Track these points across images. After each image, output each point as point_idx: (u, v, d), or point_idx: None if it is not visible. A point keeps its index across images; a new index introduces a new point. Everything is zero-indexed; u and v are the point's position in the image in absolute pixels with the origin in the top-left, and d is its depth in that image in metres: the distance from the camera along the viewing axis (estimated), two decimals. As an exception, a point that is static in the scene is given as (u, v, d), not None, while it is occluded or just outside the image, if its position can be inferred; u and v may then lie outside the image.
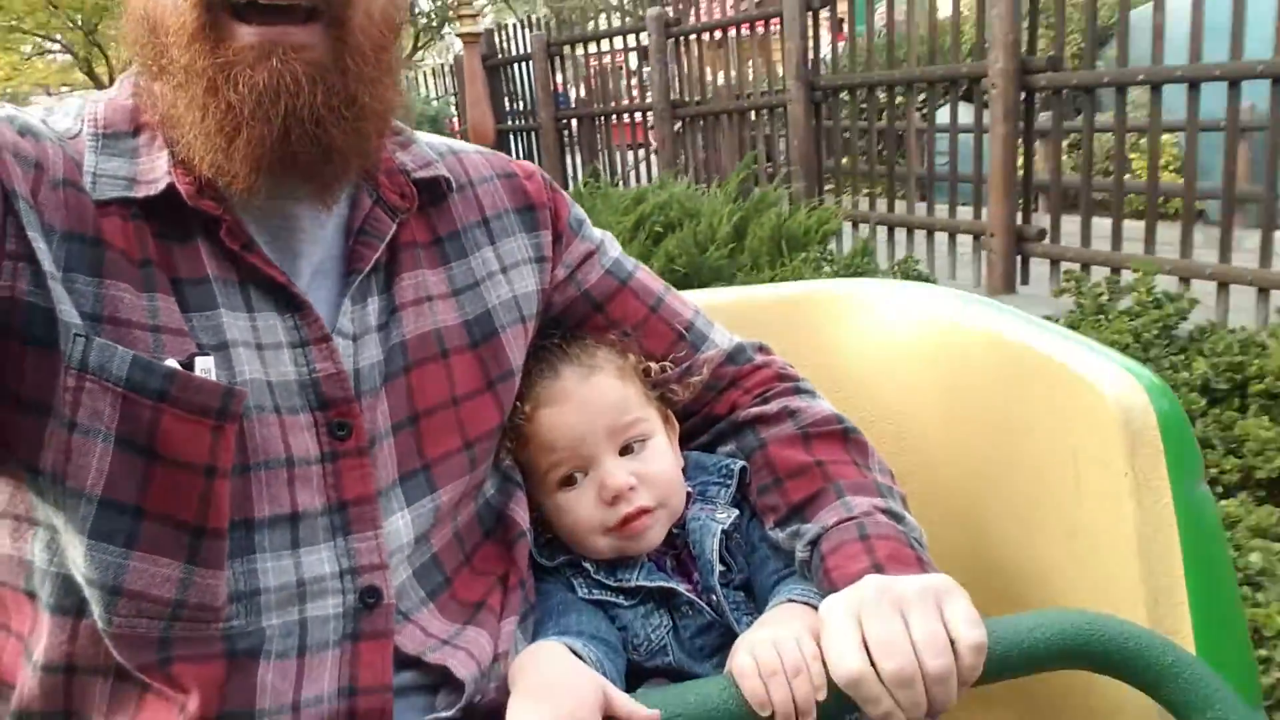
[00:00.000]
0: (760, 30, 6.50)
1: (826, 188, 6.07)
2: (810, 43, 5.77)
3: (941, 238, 5.19)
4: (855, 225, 5.63)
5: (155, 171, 0.79)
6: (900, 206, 5.43)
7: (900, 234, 5.40)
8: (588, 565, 0.99)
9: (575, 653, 0.87)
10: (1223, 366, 3.00)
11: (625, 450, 0.99)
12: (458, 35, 8.95)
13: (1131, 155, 4.58)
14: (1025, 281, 4.71)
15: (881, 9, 5.61)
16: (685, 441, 1.08)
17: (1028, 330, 1.06)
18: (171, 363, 0.75)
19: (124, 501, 0.74)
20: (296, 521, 0.80)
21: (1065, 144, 5.24)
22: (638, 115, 8.14)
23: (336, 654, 0.80)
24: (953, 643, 0.77)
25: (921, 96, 5.46)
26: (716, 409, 1.08)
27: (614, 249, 1.09)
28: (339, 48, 0.76)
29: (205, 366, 0.76)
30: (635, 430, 0.99)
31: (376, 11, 0.79)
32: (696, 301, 1.13)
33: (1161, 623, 0.85)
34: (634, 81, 8.74)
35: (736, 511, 1.02)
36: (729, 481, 1.04)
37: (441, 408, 0.90)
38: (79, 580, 0.77)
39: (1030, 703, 1.03)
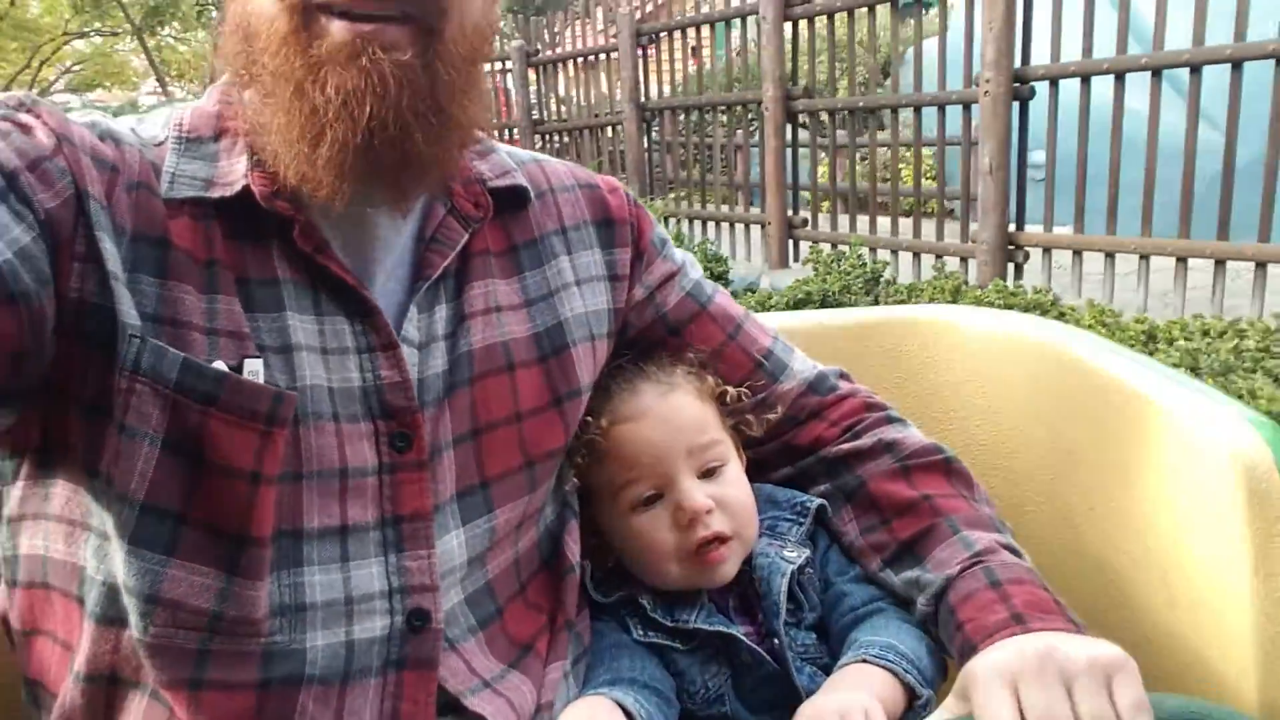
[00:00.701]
0: (603, 59, 7.80)
1: (656, 191, 7.41)
2: (639, 72, 7.07)
3: (740, 228, 6.55)
4: (668, 221, 6.98)
5: (233, 174, 0.78)
6: (712, 206, 6.80)
7: (712, 227, 6.77)
8: (644, 602, 0.94)
9: (625, 709, 0.83)
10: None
11: (704, 474, 0.95)
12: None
13: (901, 165, 5.91)
14: (796, 259, 6.07)
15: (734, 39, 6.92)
16: (757, 473, 1.02)
17: (1130, 366, 0.96)
18: (221, 365, 0.74)
19: (166, 507, 0.73)
20: (346, 534, 0.78)
21: (858, 155, 6.60)
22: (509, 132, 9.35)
23: (379, 683, 0.78)
24: None
25: (723, 117, 6.81)
26: (799, 440, 1.03)
27: (695, 271, 1.05)
28: (430, 55, 0.74)
29: (253, 369, 0.75)
30: (714, 452, 0.95)
31: (469, 24, 0.77)
32: (773, 326, 1.08)
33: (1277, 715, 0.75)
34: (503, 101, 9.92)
35: (808, 551, 0.96)
36: (802, 519, 0.99)
37: (504, 423, 0.86)
38: (120, 589, 0.75)
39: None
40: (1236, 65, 3.74)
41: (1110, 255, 4.35)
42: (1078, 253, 4.48)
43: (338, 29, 0.72)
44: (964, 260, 4.93)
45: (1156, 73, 4.02)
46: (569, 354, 0.92)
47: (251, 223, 0.78)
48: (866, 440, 1.00)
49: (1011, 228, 4.69)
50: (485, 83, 0.81)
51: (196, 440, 0.73)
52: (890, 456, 0.99)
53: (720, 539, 0.92)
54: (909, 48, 6.01)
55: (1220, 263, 3.96)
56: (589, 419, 0.95)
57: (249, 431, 0.74)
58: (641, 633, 0.93)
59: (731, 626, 0.92)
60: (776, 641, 0.91)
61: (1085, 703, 0.69)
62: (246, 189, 0.77)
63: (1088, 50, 4.22)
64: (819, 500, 1.00)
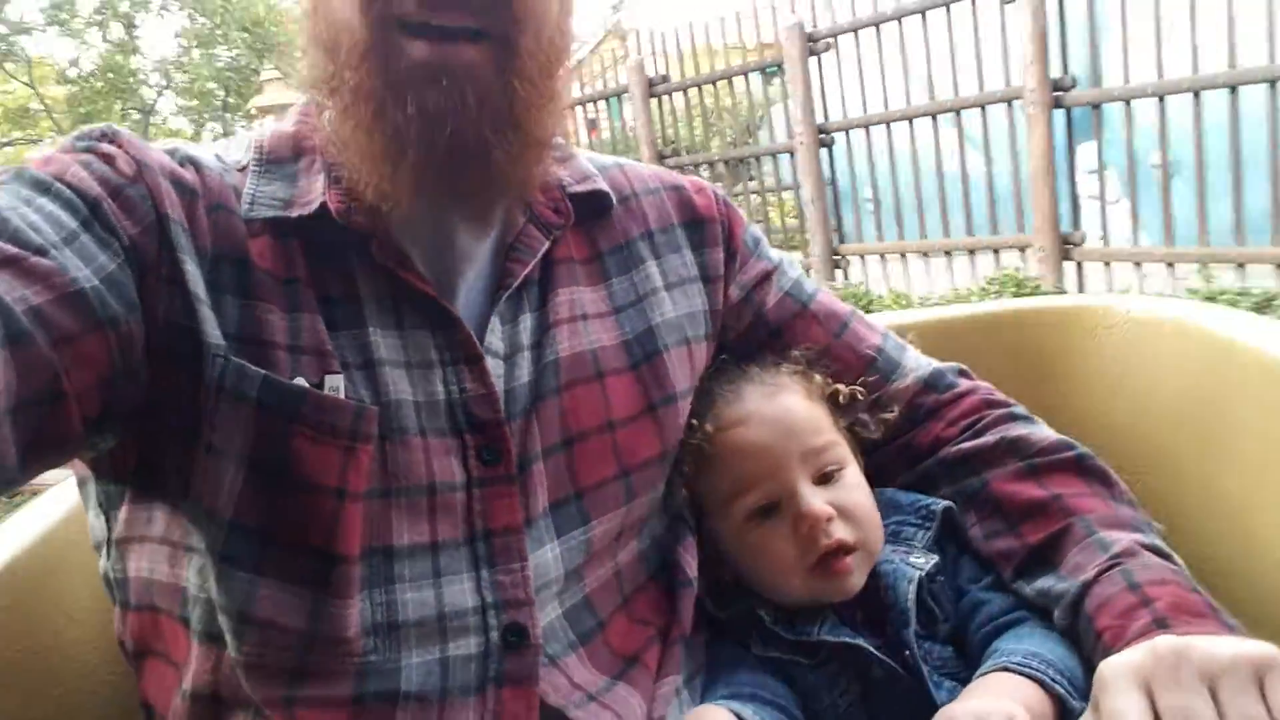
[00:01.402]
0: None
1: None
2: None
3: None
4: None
5: (311, 193, 0.79)
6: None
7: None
8: (764, 615, 0.88)
9: (742, 719, 0.78)
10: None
11: (820, 479, 0.89)
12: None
13: (769, 208, 7.20)
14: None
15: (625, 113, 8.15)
16: (875, 481, 0.95)
17: None
18: (301, 382, 0.74)
19: (253, 524, 0.73)
20: (437, 551, 0.77)
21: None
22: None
23: (478, 700, 0.76)
24: None
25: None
26: (917, 441, 0.97)
27: (793, 270, 1.02)
28: (507, 72, 0.74)
29: (334, 385, 0.74)
30: (830, 455, 0.90)
31: (545, 37, 0.76)
32: (884, 323, 1.02)
33: None
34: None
35: (936, 557, 0.90)
36: (929, 524, 0.93)
37: (596, 432, 0.84)
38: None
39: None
40: (983, 106, 5.17)
41: (903, 255, 5.83)
42: (883, 256, 5.96)
43: (418, 49, 0.72)
44: (807, 270, 6.39)
45: (934, 116, 5.40)
46: (661, 359, 0.90)
47: (331, 240, 0.78)
48: (989, 438, 0.94)
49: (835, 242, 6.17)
50: (564, 94, 0.80)
51: (281, 457, 0.73)
52: (1015, 455, 0.92)
53: (844, 548, 0.86)
54: (771, 107, 7.44)
55: (972, 252, 5.45)
56: (693, 422, 0.91)
57: (332, 448, 0.73)
58: (762, 648, 0.88)
59: (858, 638, 0.85)
60: (909, 653, 0.84)
61: (1232, 704, 0.61)
62: (324, 206, 0.77)
63: (885, 104, 5.65)
64: (945, 502, 0.94)
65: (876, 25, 5.51)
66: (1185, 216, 4.42)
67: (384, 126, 0.73)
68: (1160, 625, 0.73)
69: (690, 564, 0.91)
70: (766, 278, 1.00)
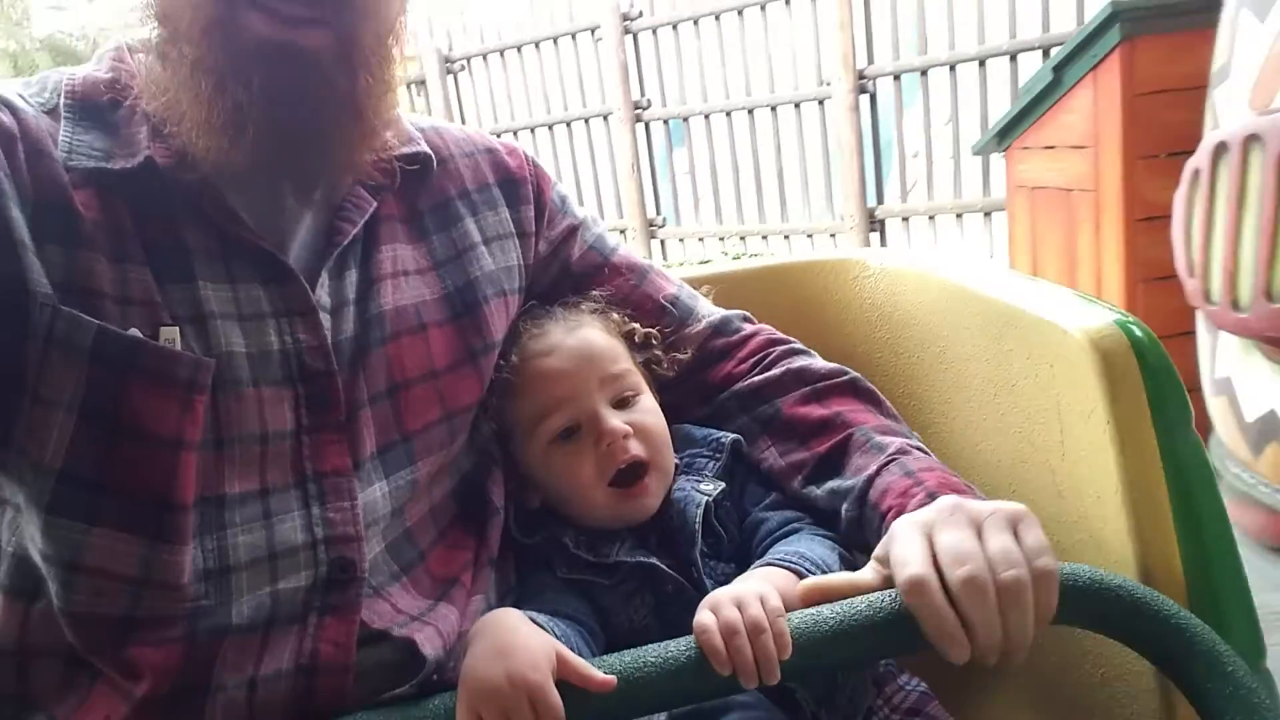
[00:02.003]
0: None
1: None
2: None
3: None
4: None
5: (134, 145, 0.77)
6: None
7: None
8: (566, 541, 0.95)
9: (534, 621, 0.83)
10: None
11: (618, 404, 0.97)
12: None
13: None
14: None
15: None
16: (674, 417, 1.04)
17: (1003, 283, 1.03)
18: (135, 333, 0.73)
19: (84, 475, 0.72)
20: (267, 495, 0.78)
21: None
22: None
23: (300, 628, 0.78)
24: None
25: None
26: (711, 379, 1.06)
27: (597, 226, 1.09)
28: (348, 60, 0.76)
29: (170, 337, 0.74)
30: (626, 381, 0.98)
31: (384, 29, 0.79)
32: (679, 277, 1.12)
33: (1153, 579, 0.80)
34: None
35: (724, 484, 0.99)
36: (719, 455, 1.02)
37: (420, 380, 0.88)
38: (36, 560, 0.75)
39: (1038, 685, 0.98)
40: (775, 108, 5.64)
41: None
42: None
43: (262, 24, 0.72)
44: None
45: (729, 114, 5.84)
46: (480, 311, 0.94)
47: (158, 193, 0.77)
48: (775, 371, 1.04)
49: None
50: (397, 81, 0.82)
51: (114, 408, 0.72)
52: (800, 383, 1.03)
53: (639, 464, 0.94)
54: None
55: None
56: (501, 361, 0.97)
57: (170, 398, 0.73)
58: (565, 570, 0.94)
59: (651, 558, 0.93)
60: (694, 570, 0.92)
61: (993, 540, 0.74)
62: (149, 160, 0.77)
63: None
64: (734, 435, 1.03)
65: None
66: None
67: (224, 101, 0.74)
68: (932, 497, 0.84)
69: (497, 494, 0.97)
70: (572, 233, 1.06)
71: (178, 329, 0.75)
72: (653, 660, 0.74)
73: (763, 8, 5.44)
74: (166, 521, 0.74)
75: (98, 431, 0.72)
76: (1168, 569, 0.81)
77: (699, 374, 1.07)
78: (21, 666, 0.77)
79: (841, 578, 0.81)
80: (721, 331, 1.08)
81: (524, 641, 0.75)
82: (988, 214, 4.69)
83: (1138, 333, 0.86)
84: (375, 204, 0.88)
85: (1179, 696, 0.77)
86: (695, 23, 5.75)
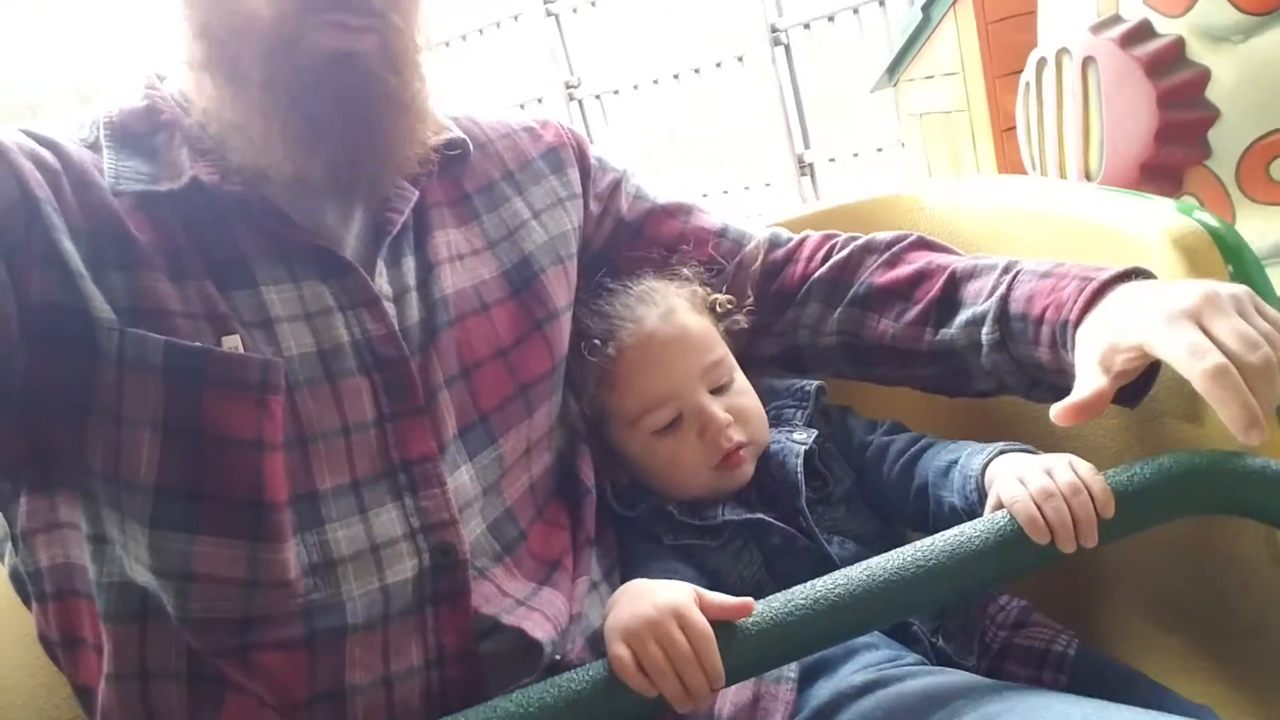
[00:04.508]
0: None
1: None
2: None
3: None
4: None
5: (177, 167, 0.79)
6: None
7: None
8: (671, 509, 0.95)
9: None
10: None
11: (716, 390, 0.96)
12: None
13: None
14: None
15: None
16: (761, 333, 1.06)
17: (1062, 197, 1.02)
18: (200, 344, 0.74)
19: (180, 487, 0.73)
20: (359, 487, 0.79)
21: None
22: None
23: (419, 619, 0.79)
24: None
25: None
26: (787, 284, 1.06)
27: (635, 175, 1.09)
28: (395, 55, 0.79)
29: (232, 345, 0.75)
30: (723, 368, 0.97)
31: (421, 18, 0.82)
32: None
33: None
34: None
35: (815, 431, 0.99)
36: (805, 403, 1.02)
37: (490, 359, 0.89)
38: (141, 582, 0.76)
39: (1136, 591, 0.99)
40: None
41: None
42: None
43: (331, 38, 0.75)
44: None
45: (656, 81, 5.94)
46: (538, 281, 0.95)
47: (208, 208, 0.78)
48: (844, 254, 1.04)
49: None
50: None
51: (194, 418, 0.74)
52: (873, 254, 1.03)
53: (740, 448, 0.94)
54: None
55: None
56: (596, 343, 0.96)
57: (244, 401, 0.74)
58: (672, 538, 0.94)
59: (756, 513, 0.93)
60: (803, 519, 0.92)
61: (1258, 323, 0.72)
62: (194, 180, 0.78)
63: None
64: (816, 382, 1.03)
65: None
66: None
67: (297, 116, 0.76)
68: (1085, 280, 0.83)
69: (587, 473, 0.98)
70: (617, 186, 1.08)
71: (238, 337, 0.76)
72: (968, 534, 0.73)
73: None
74: (264, 522, 0.74)
75: (183, 443, 0.74)
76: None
77: (769, 285, 1.08)
78: (145, 690, 0.77)
79: (1089, 389, 0.76)
80: (776, 243, 1.10)
81: (662, 585, 0.76)
82: (904, 145, 5.04)
83: (1212, 221, 0.85)
84: (417, 192, 0.89)
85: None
86: (614, -2, 6.00)
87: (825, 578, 0.73)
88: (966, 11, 2.82)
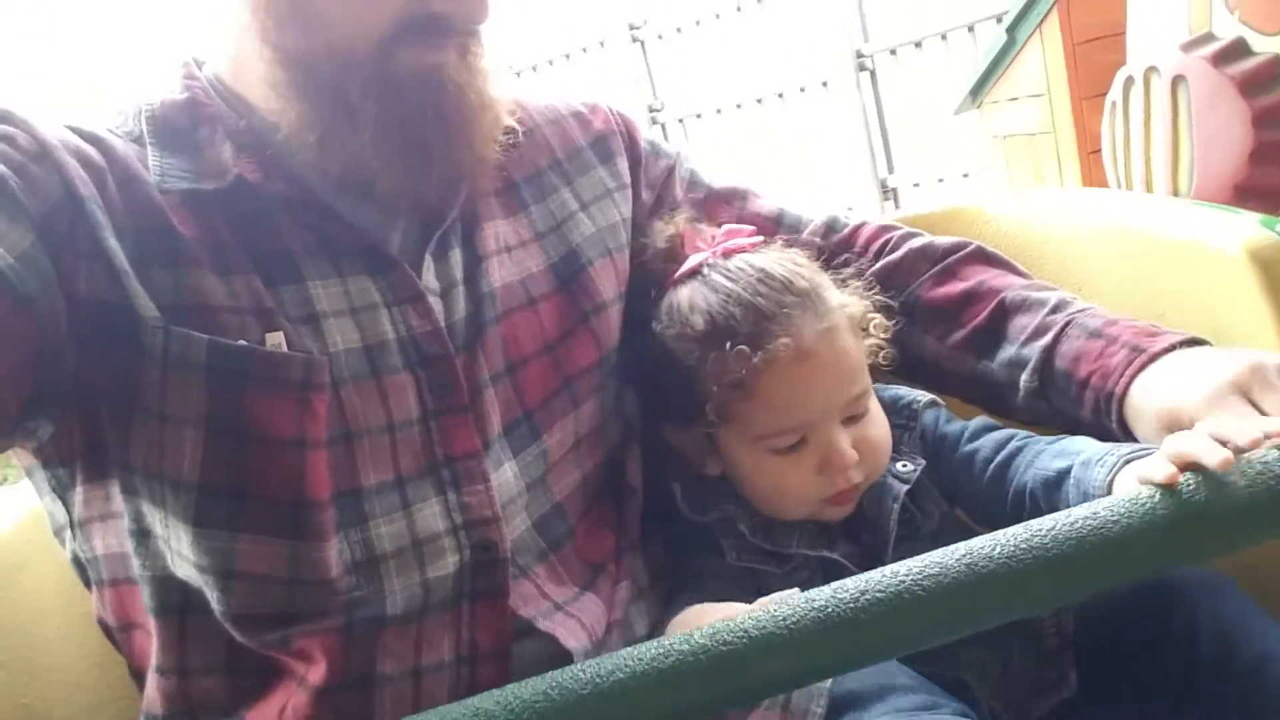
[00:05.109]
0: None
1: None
2: None
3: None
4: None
5: (220, 165, 0.78)
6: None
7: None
8: (743, 527, 0.88)
9: None
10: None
11: (849, 420, 0.87)
12: None
13: None
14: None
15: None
16: None
17: (1135, 209, 0.96)
18: (244, 342, 0.74)
19: (223, 486, 0.73)
20: (403, 484, 0.78)
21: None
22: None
23: (454, 615, 0.79)
24: None
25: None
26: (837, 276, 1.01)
27: (688, 160, 1.07)
28: (471, 56, 0.79)
29: (275, 342, 0.75)
30: (864, 399, 0.88)
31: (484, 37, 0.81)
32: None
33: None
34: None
35: (923, 461, 0.90)
36: (912, 424, 0.93)
37: (536, 356, 0.87)
38: (183, 576, 0.76)
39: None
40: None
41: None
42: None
43: (419, 55, 0.76)
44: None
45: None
46: (585, 274, 0.92)
47: (252, 203, 0.78)
48: (898, 254, 1.01)
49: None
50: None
51: (237, 417, 0.74)
52: (928, 262, 1.00)
53: (857, 487, 0.87)
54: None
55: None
56: (744, 349, 0.84)
57: (286, 401, 0.74)
58: (735, 556, 0.88)
59: (834, 550, 0.87)
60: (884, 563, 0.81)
61: None
62: (239, 178, 0.77)
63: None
64: (928, 396, 0.94)
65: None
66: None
67: (389, 117, 0.76)
68: (1136, 351, 0.81)
69: (635, 474, 0.95)
70: (670, 173, 1.05)
71: (283, 334, 0.76)
72: (878, 593, 0.52)
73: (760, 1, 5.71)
74: (305, 520, 0.74)
75: (226, 442, 0.74)
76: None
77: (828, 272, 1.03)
78: (185, 685, 0.78)
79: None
80: (833, 228, 1.06)
81: (721, 606, 0.73)
82: (987, 167, 4.96)
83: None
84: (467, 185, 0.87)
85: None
86: (698, 23, 6.09)
87: (911, 561, 0.54)
88: (1053, 32, 2.76)
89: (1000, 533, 0.54)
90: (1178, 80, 1.94)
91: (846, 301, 0.90)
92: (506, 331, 0.86)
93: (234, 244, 0.77)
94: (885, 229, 1.05)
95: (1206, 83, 1.87)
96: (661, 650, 0.52)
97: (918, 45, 5.09)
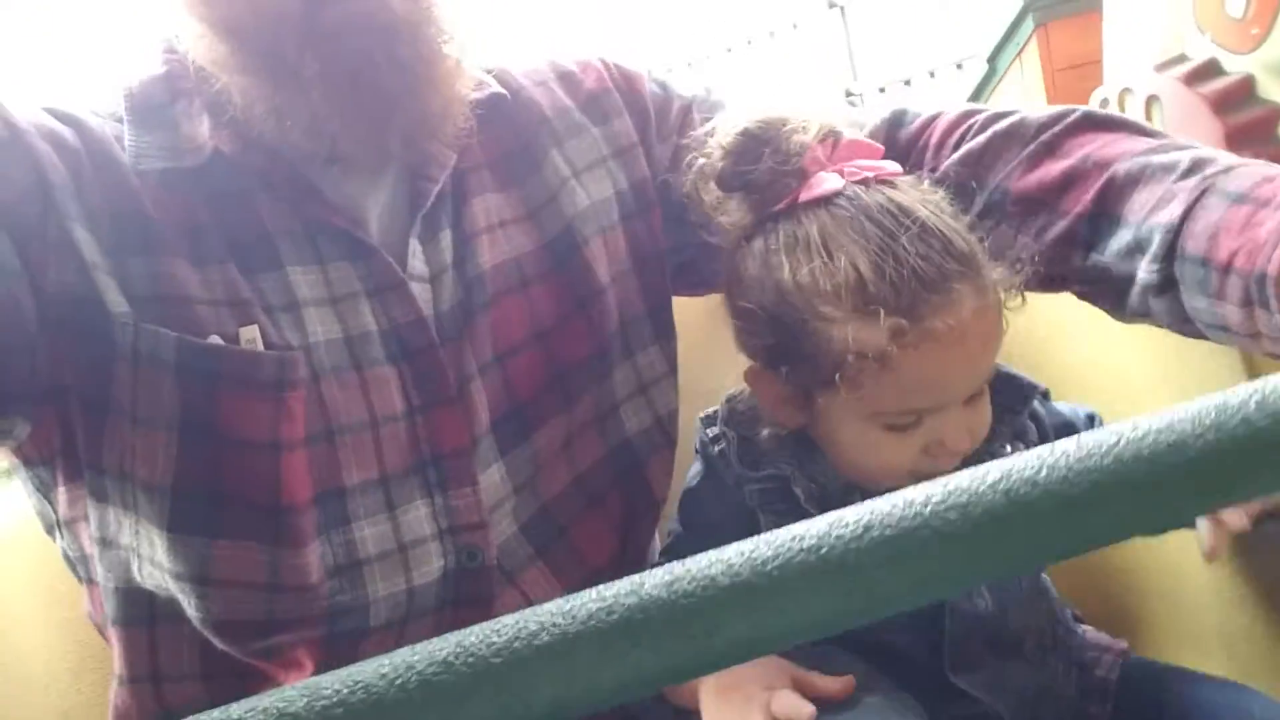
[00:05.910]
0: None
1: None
2: None
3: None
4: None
5: (198, 138, 0.74)
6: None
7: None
8: (798, 491, 0.78)
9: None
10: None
11: (967, 401, 0.76)
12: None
13: None
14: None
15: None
16: None
17: None
18: (216, 339, 0.71)
19: (198, 490, 0.71)
20: (387, 482, 0.75)
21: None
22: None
23: (435, 621, 0.76)
24: None
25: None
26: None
27: (712, 94, 0.95)
28: (421, 3, 0.73)
29: (250, 337, 0.71)
30: (986, 380, 0.78)
31: None
32: None
33: None
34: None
35: (1022, 445, 0.82)
36: (1020, 410, 0.83)
37: (525, 345, 0.82)
38: (149, 587, 0.74)
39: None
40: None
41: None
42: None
43: (354, 3, 0.69)
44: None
45: None
46: (582, 255, 0.85)
47: (230, 182, 0.74)
48: (983, 138, 0.79)
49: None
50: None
51: (210, 418, 0.71)
52: (1018, 143, 0.78)
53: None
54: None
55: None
56: (900, 323, 0.69)
57: (258, 401, 0.71)
58: (775, 519, 0.78)
59: None
60: None
61: None
62: (217, 152, 0.74)
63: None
64: (1042, 386, 0.84)
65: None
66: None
67: (333, 86, 0.71)
68: None
69: (659, 483, 0.89)
70: (687, 114, 0.93)
71: (257, 327, 0.72)
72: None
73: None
74: (284, 524, 0.72)
75: (200, 444, 0.71)
76: None
77: None
78: (158, 691, 0.76)
79: None
80: (899, 122, 0.87)
81: (757, 670, 0.70)
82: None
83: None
84: (454, 155, 0.82)
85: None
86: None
87: (930, 486, 0.38)
88: (1033, 60, 2.78)
89: (1046, 448, 0.36)
90: (1151, 100, 1.94)
91: (999, 277, 0.75)
92: (496, 317, 0.81)
93: (211, 227, 0.74)
94: (968, 113, 0.84)
95: (1180, 102, 1.88)
96: (602, 604, 0.35)
97: (906, 84, 5.13)
